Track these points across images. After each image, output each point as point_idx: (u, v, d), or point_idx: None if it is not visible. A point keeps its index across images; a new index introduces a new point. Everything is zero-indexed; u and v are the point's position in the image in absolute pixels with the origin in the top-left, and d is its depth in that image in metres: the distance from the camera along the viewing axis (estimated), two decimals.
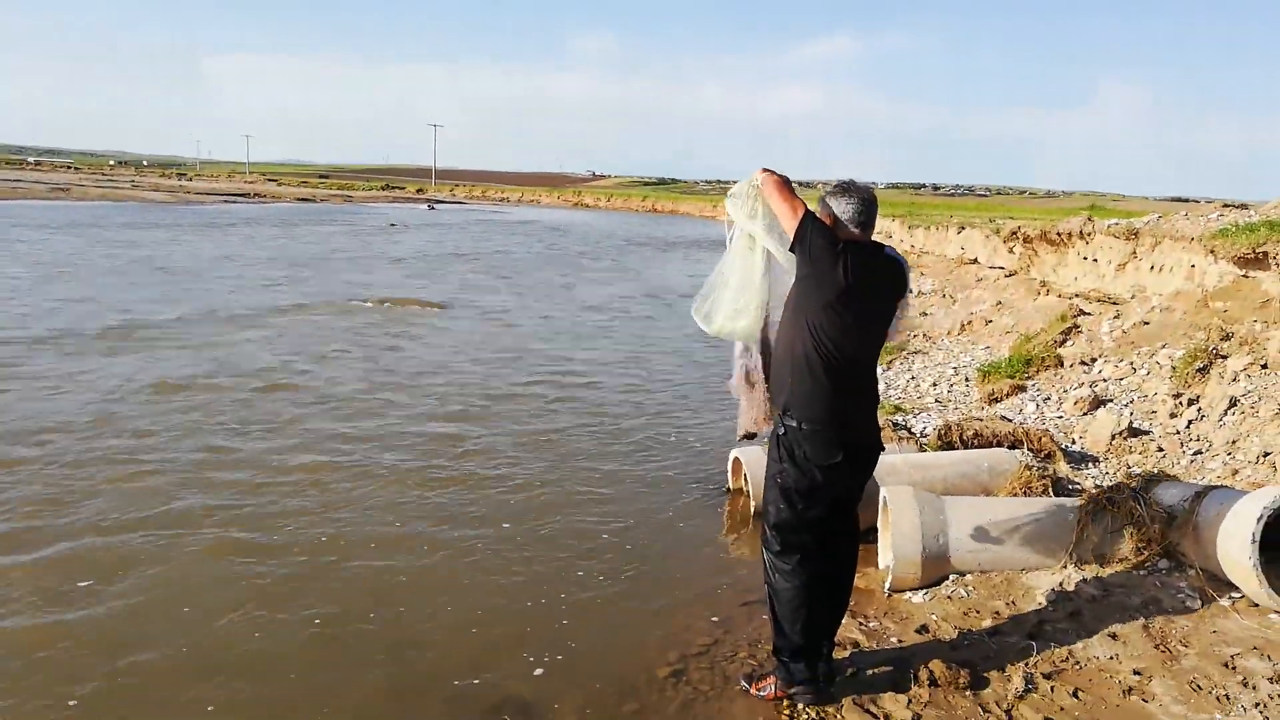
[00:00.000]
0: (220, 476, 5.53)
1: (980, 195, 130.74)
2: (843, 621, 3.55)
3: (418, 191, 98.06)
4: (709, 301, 3.43)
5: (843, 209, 3.07)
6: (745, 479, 5.39)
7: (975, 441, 5.77)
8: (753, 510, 5.19)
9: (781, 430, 3.15)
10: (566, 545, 4.75)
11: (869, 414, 3.24)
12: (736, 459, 5.54)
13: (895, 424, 6.37)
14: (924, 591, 4.21)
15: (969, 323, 10.35)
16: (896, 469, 4.99)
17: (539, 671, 3.52)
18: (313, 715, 3.19)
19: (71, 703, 3.20)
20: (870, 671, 3.43)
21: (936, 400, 7.50)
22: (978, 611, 3.98)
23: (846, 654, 3.62)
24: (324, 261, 19.95)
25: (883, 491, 4.52)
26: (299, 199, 64.29)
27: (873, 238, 3.15)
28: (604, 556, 4.64)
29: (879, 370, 8.78)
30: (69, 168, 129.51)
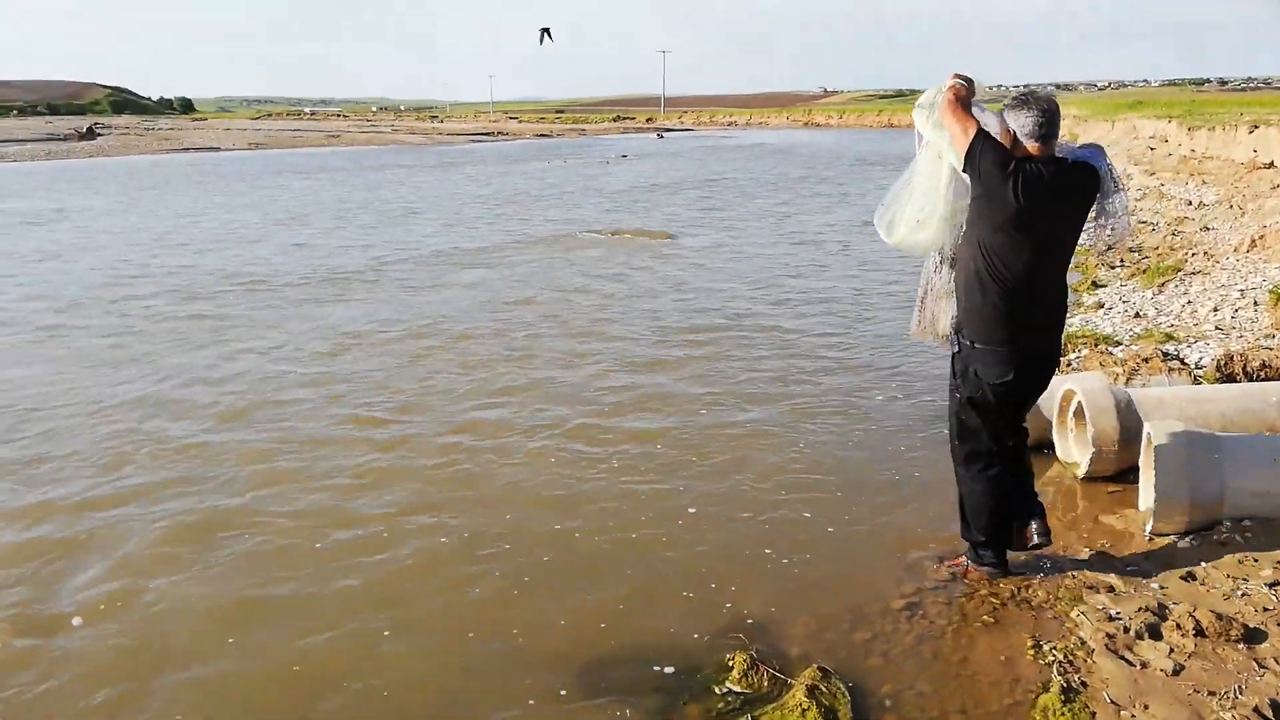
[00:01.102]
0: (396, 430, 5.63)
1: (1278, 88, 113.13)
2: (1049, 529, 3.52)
3: (647, 121, 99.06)
4: (891, 210, 3.39)
5: (1021, 123, 3.05)
6: None
7: (1263, 373, 5.15)
8: None
9: (956, 348, 3.30)
10: (791, 483, 4.71)
11: (1047, 330, 3.24)
12: None
13: (1165, 354, 5.79)
14: (1191, 536, 3.86)
15: (1261, 237, 9.10)
16: (1164, 403, 4.57)
17: (770, 594, 3.59)
18: (562, 632, 3.45)
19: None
20: (1127, 618, 3.22)
21: (1217, 327, 6.72)
22: (1255, 560, 3.60)
23: (1099, 597, 3.43)
24: (537, 199, 20.57)
25: (1146, 427, 4.16)
26: (537, 134, 67.02)
27: (1081, 144, 3.18)
28: (831, 492, 4.58)
29: (1149, 294, 8.02)
30: (339, 115, 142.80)
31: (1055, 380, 5.13)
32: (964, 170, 3.11)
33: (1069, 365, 6.01)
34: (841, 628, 3.35)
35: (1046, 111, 3.03)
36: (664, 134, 68.22)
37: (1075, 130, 36.97)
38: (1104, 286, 8.92)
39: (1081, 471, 4.55)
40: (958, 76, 3.22)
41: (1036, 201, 2.99)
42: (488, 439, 5.37)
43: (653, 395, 6.12)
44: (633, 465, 4.94)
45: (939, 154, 3.28)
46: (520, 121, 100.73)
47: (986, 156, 3.02)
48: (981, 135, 3.05)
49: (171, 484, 4.77)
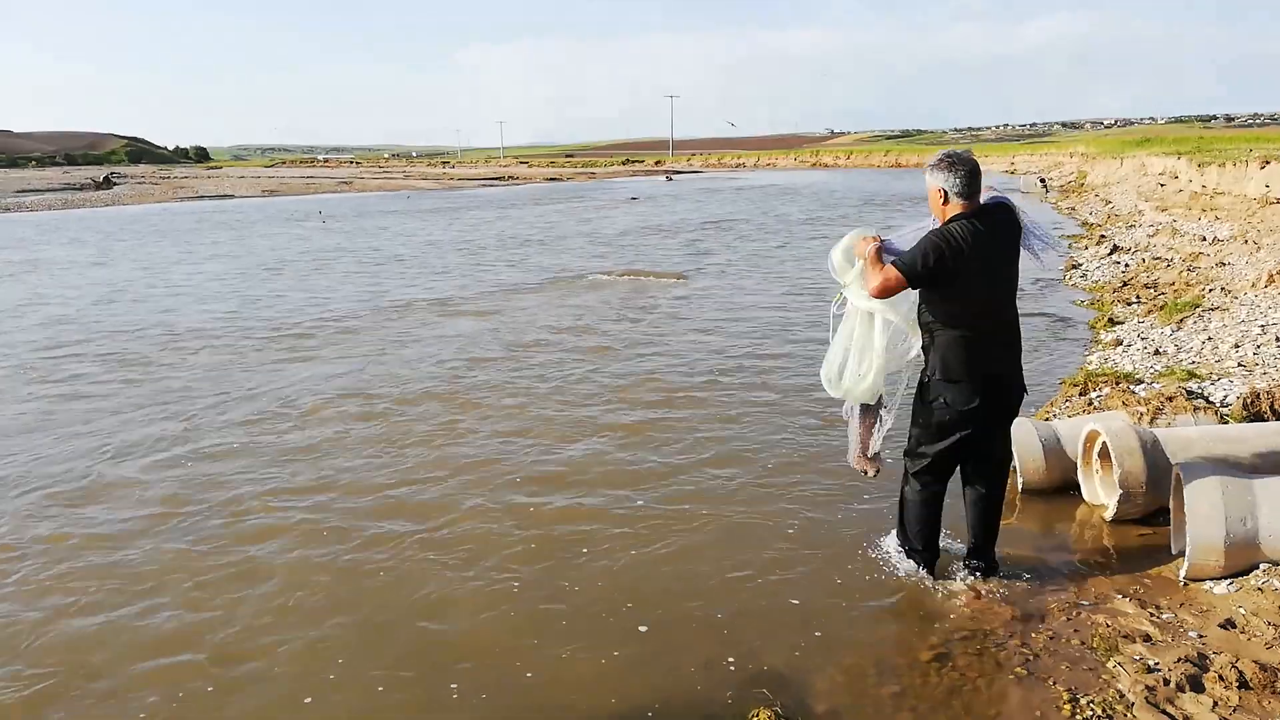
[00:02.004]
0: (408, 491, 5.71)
1: None
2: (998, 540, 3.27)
3: (655, 164, 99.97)
4: (832, 368, 3.85)
5: (951, 183, 3.47)
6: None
7: None
8: (1019, 486, 4.83)
9: (927, 379, 3.64)
10: (803, 536, 4.56)
11: (1007, 359, 3.63)
12: None
13: (1189, 392, 5.67)
14: (1228, 581, 3.73)
15: (1279, 272, 9.02)
16: (1191, 443, 4.45)
17: (793, 648, 3.47)
18: (578, 685, 3.34)
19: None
20: (1166, 669, 3.09)
21: (1240, 364, 6.60)
22: None
23: (1136, 647, 3.30)
24: (525, 243, 20.41)
25: (1176, 468, 4.05)
26: (548, 179, 67.61)
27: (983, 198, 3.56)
28: (846, 545, 4.38)
29: (1168, 331, 7.93)
30: (352, 162, 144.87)
31: (1078, 420, 5.06)
32: (915, 287, 3.56)
33: (1090, 404, 5.90)
34: (868, 681, 3.22)
35: (971, 172, 3.48)
36: (673, 177, 68.72)
37: (1085, 168, 37.12)
38: (1121, 323, 8.82)
39: (1109, 514, 4.43)
40: (865, 239, 3.69)
41: (977, 250, 3.42)
42: (485, 503, 5.25)
43: (648, 444, 5.99)
44: (641, 522, 4.79)
45: (867, 319, 3.75)
46: (530, 166, 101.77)
47: (919, 268, 3.45)
48: (904, 263, 3.49)
49: None
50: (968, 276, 3.43)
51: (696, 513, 4.79)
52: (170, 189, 54.50)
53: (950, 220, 3.48)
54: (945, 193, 3.48)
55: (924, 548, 3.87)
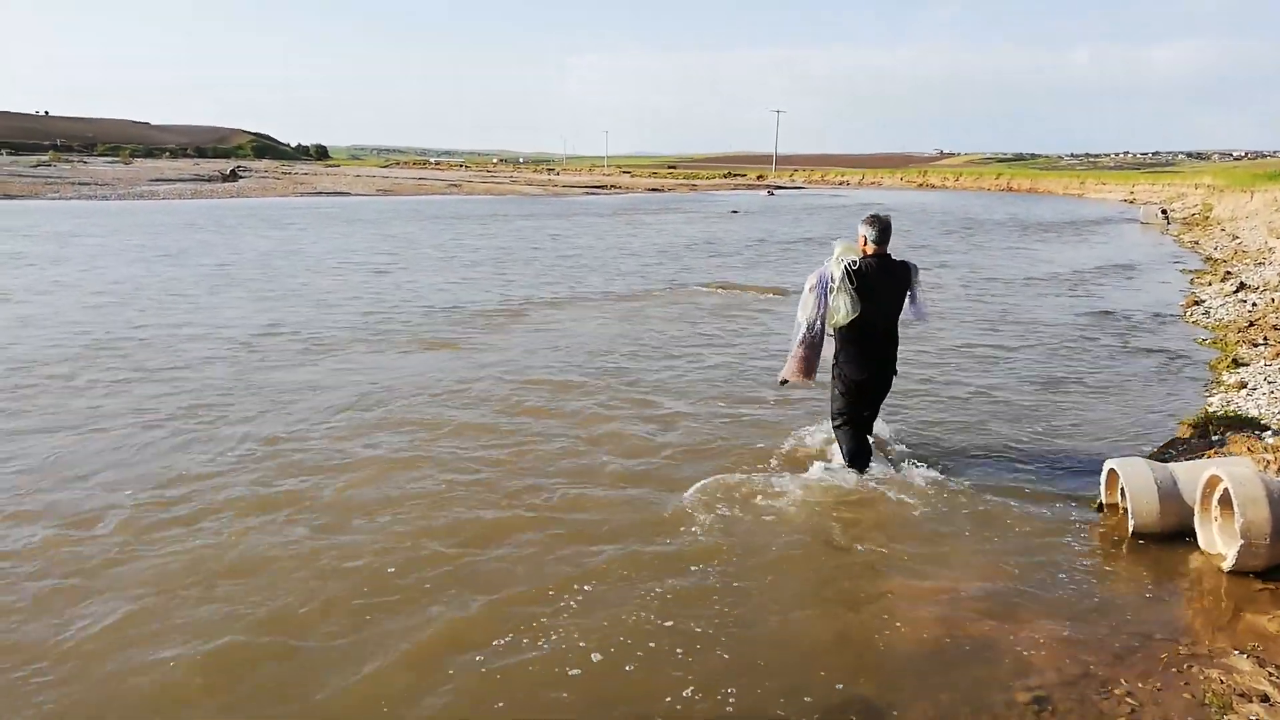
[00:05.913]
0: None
1: None
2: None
3: (758, 178, 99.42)
4: (834, 309, 5.25)
5: (870, 233, 5.25)
6: (1122, 493, 4.83)
7: None
8: (1130, 529, 4.64)
9: (835, 363, 5.42)
10: (911, 558, 4.52)
11: (882, 352, 5.37)
12: (1113, 471, 4.98)
13: None
14: None
15: None
16: None
17: (883, 677, 3.43)
18: (662, 710, 3.36)
19: None
20: None
21: None
22: None
23: (1253, 707, 3.13)
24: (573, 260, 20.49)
25: None
26: (649, 189, 67.96)
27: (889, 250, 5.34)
28: (941, 571, 4.34)
29: None
30: (461, 166, 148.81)
31: (1198, 464, 4.84)
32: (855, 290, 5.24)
33: (1211, 449, 5.62)
34: (962, 715, 3.14)
35: (882, 229, 5.24)
36: (774, 191, 68.26)
37: (1210, 201, 35.28)
38: (1246, 365, 8.38)
39: (1227, 565, 4.22)
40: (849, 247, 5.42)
41: (869, 282, 5.15)
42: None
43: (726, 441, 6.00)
44: (732, 548, 4.81)
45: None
46: (633, 175, 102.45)
47: (858, 276, 5.16)
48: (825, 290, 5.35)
49: None
50: (865, 292, 5.12)
51: (793, 539, 4.77)
52: (291, 184, 56.84)
53: (866, 256, 5.22)
54: (865, 238, 5.26)
55: (852, 452, 5.43)
